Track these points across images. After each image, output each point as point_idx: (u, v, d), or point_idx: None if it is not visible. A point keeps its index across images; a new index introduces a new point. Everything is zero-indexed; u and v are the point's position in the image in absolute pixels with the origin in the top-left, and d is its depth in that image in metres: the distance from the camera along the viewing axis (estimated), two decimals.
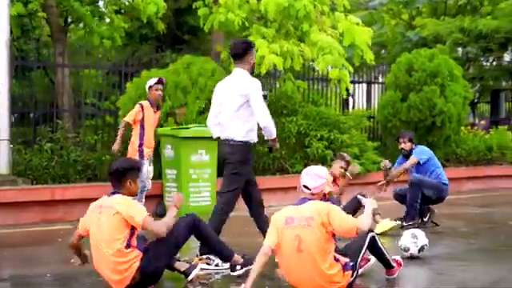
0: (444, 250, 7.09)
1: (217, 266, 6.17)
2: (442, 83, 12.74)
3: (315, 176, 5.14)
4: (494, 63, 18.73)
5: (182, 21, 17.24)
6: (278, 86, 12.65)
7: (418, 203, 8.39)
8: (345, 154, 8.08)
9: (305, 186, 5.15)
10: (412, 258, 6.52)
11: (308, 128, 11.27)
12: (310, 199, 5.08)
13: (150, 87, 8.82)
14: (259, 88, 6.29)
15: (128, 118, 8.74)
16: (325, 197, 5.33)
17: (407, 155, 8.62)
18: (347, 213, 5.30)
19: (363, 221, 4.99)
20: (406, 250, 6.59)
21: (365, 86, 15.80)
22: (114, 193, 5.46)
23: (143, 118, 8.70)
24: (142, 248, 5.41)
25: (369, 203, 5.24)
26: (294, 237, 4.94)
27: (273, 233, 5.06)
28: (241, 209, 6.91)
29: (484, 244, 7.59)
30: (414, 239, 6.64)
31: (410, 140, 8.61)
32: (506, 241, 7.84)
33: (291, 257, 4.97)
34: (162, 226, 5.32)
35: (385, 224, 7.98)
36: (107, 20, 13.62)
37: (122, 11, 15.14)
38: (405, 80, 12.91)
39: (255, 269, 5.02)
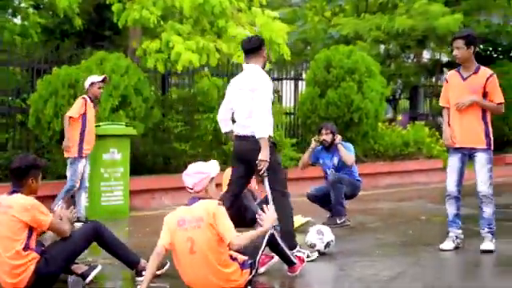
0: (350, 246, 7.16)
1: None
2: (359, 80, 12.87)
3: (194, 174, 5.11)
4: (414, 60, 19.05)
5: (103, 17, 16.96)
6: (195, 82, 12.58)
7: (344, 199, 8.46)
8: None
9: (188, 187, 5.11)
10: (319, 254, 6.56)
11: None
12: (199, 198, 5.04)
13: (93, 84, 8.75)
14: (268, 83, 6.27)
15: (71, 113, 8.59)
16: None
17: (328, 147, 8.60)
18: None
19: (240, 240, 4.91)
20: (312, 246, 6.62)
21: (292, 82, 15.87)
22: (13, 191, 5.31)
23: (85, 113, 8.61)
24: (39, 250, 5.29)
25: (266, 224, 5.22)
26: (185, 239, 4.91)
27: (166, 233, 5.01)
28: None
29: (391, 239, 7.70)
30: (319, 235, 6.67)
31: (333, 132, 8.61)
32: (414, 235, 7.97)
33: (185, 258, 4.94)
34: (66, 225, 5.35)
35: (297, 220, 8.00)
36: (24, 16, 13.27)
37: (41, 6, 14.81)
38: (323, 77, 13.00)
39: (150, 269, 4.98)
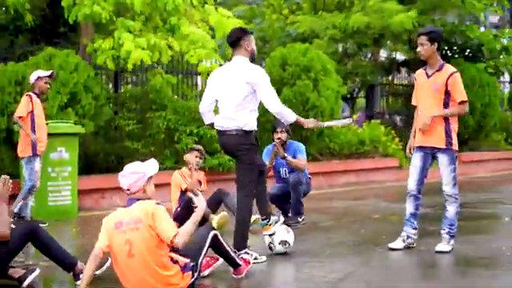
0: (302, 246, 7.03)
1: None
2: (315, 78, 12.81)
3: (129, 174, 4.94)
4: (371, 59, 19.06)
5: (56, 13, 16.63)
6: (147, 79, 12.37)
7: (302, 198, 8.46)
8: (198, 146, 8.32)
9: (124, 189, 4.95)
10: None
11: (177, 123, 11.05)
12: (137, 199, 4.88)
13: (39, 78, 8.49)
14: (266, 75, 6.15)
15: (20, 112, 8.34)
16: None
17: (281, 146, 8.43)
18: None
19: (181, 236, 4.73)
20: (284, 243, 6.59)
21: None
22: None
23: (33, 111, 8.37)
24: None
25: (200, 205, 5.09)
26: (124, 242, 4.74)
27: (104, 235, 4.84)
28: None
29: (343, 238, 7.60)
30: (289, 232, 6.66)
31: (287, 131, 8.47)
32: (366, 234, 7.88)
33: (123, 262, 4.77)
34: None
35: None
36: None
37: None
38: (279, 74, 12.89)
39: (87, 271, 4.81)
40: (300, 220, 8.36)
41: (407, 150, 6.93)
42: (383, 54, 20.00)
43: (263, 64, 15.94)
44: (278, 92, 12.77)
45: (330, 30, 15.92)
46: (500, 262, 6.37)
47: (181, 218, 6.88)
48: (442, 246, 6.68)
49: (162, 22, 10.96)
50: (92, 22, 11.02)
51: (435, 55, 6.65)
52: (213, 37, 11.33)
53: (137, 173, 4.93)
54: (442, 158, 6.62)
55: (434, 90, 6.60)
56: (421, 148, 6.73)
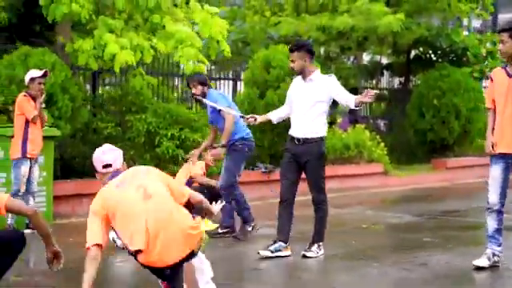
0: (293, 258, 6.71)
1: None
2: None
3: (109, 150, 4.69)
4: (354, 62, 18.85)
5: (32, 11, 16.25)
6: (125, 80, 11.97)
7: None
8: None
9: (108, 165, 4.63)
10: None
11: (158, 126, 10.64)
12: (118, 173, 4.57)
13: (33, 79, 8.09)
14: None
15: (31, 113, 8.03)
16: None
17: (200, 100, 8.02)
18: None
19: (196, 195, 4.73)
20: None
21: (231, 83, 15.43)
22: None
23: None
24: None
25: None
26: (135, 188, 4.41)
27: (97, 222, 4.43)
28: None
29: (335, 251, 7.21)
30: None
31: (201, 83, 7.95)
32: (357, 246, 7.55)
33: (140, 212, 4.34)
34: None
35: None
36: None
37: None
38: (262, 77, 12.58)
39: (89, 278, 4.30)
40: (249, 229, 7.83)
41: (489, 148, 6.10)
42: (366, 58, 19.81)
43: (243, 66, 15.65)
44: (262, 95, 12.53)
45: (313, 31, 15.65)
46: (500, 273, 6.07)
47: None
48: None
49: (143, 20, 10.56)
50: (70, 20, 10.61)
51: None
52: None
53: (115, 149, 4.71)
54: None
55: None
56: (502, 157, 6.06)
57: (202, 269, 4.71)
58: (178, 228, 4.30)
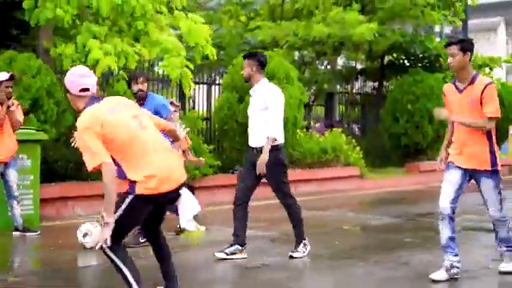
0: (278, 259, 6.90)
1: None
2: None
3: (89, 74, 4.68)
4: (329, 67, 19.10)
5: (8, 15, 16.18)
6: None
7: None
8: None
9: (85, 89, 4.60)
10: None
11: None
12: (97, 98, 4.63)
13: (0, 83, 8.02)
14: None
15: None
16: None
17: (143, 98, 7.64)
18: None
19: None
20: None
21: (205, 87, 15.56)
22: None
23: None
24: None
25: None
26: (130, 116, 4.50)
27: (96, 137, 4.39)
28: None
29: (319, 251, 7.42)
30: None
31: (148, 80, 7.96)
32: (340, 246, 7.78)
33: (140, 136, 4.45)
34: None
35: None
36: None
37: None
38: (242, 81, 12.69)
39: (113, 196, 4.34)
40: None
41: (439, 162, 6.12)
42: (340, 62, 20.06)
43: (220, 71, 15.78)
44: (241, 99, 12.67)
45: (291, 37, 15.87)
46: (483, 275, 6.32)
47: None
48: (508, 266, 6.15)
49: (127, 26, 10.68)
50: (53, 25, 10.70)
51: (467, 66, 5.90)
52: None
53: (93, 74, 4.75)
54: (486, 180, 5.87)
55: (469, 104, 5.82)
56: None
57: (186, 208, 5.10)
58: (175, 155, 4.66)
